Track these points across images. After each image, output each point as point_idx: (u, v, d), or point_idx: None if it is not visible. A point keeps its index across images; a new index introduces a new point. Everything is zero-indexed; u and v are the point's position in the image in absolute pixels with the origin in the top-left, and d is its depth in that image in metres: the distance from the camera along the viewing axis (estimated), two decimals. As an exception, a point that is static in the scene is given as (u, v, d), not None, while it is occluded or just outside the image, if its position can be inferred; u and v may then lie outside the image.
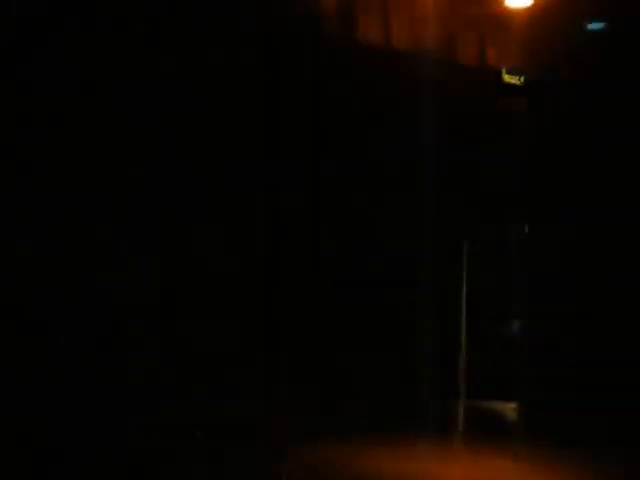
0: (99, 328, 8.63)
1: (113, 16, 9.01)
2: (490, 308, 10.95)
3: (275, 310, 9.61)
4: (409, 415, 9.25)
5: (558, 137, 10.43)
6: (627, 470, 7.71)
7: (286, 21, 9.17)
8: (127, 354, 8.51)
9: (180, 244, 9.59)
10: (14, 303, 7.90)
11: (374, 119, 10.37)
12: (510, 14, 9.92)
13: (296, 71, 9.52)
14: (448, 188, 11.11)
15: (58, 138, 8.21)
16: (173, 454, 7.24)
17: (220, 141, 9.22)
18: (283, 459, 7.19)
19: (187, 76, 8.98)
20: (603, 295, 10.19)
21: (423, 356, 11.53)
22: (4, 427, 7.39)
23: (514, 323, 10.77)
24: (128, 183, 10.27)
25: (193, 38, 8.86)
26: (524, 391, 10.57)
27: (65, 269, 8.30)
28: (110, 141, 10.19)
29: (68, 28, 8.31)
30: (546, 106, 10.47)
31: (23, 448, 7.26)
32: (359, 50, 9.84)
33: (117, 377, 8.39)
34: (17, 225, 7.97)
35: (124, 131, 10.25)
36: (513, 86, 10.56)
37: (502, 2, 9.83)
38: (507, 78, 10.55)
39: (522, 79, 10.53)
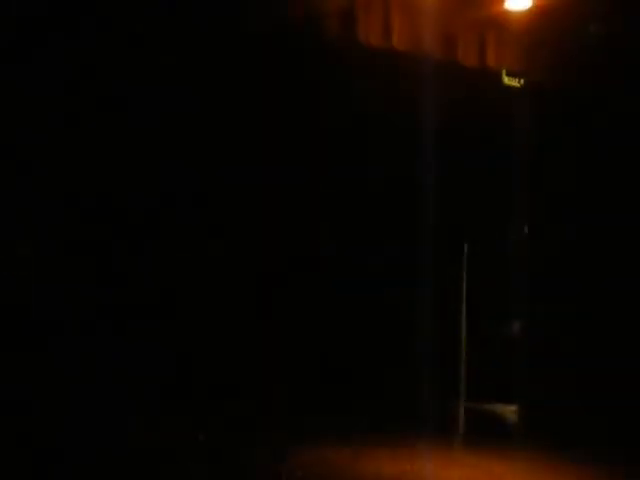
0: (99, 328, 8.65)
1: (113, 16, 9.03)
2: (490, 308, 10.95)
3: (275, 309, 9.63)
4: (409, 416, 9.24)
5: (558, 137, 10.43)
6: (628, 470, 7.73)
7: (286, 21, 9.17)
8: (127, 354, 8.51)
9: (180, 244, 9.62)
10: (14, 303, 7.90)
11: (374, 119, 10.40)
12: (510, 16, 9.91)
13: (296, 71, 9.53)
14: (448, 188, 11.13)
15: (58, 138, 8.20)
16: (173, 454, 7.26)
17: (220, 141, 9.22)
18: (283, 459, 7.20)
19: (187, 76, 8.97)
20: (603, 295, 10.18)
21: (423, 356, 11.54)
22: (4, 427, 7.41)
23: (514, 323, 10.76)
24: (127, 183, 10.30)
25: (193, 38, 8.85)
26: (524, 392, 10.57)
27: (65, 269, 8.29)
28: (110, 141, 10.22)
29: (68, 28, 8.30)
30: (546, 107, 10.47)
31: (23, 448, 7.27)
32: (359, 51, 9.84)
33: (117, 377, 8.41)
34: (17, 225, 7.96)
35: (124, 131, 10.28)
36: (513, 88, 10.58)
37: (502, 4, 9.82)
38: (507, 80, 10.56)
39: (522, 81, 10.55)
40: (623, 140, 10.14)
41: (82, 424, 7.51)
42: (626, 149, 10.11)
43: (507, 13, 9.82)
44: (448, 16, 9.95)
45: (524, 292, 10.75)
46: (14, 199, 7.95)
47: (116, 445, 7.15)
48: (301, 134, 9.65)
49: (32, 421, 7.55)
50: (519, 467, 7.89)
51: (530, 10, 9.73)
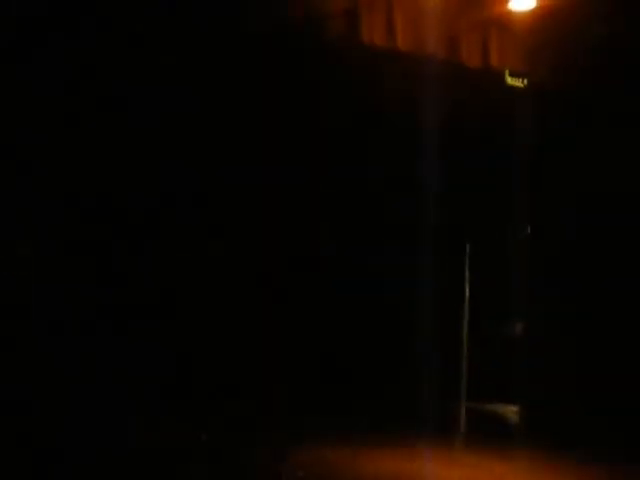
0: (99, 328, 8.64)
1: (113, 16, 9.03)
2: (491, 308, 10.94)
3: (275, 309, 9.62)
4: (409, 416, 9.24)
5: (559, 138, 10.42)
6: (628, 470, 7.73)
7: (286, 21, 9.17)
8: (127, 354, 8.51)
9: (180, 244, 9.62)
10: (14, 303, 7.89)
11: (375, 119, 10.40)
12: (514, 16, 9.90)
13: (296, 71, 9.53)
14: (449, 188, 11.12)
15: (58, 138, 8.20)
16: (173, 454, 7.26)
17: (220, 141, 9.22)
18: (283, 459, 7.19)
19: (187, 76, 8.97)
20: (603, 295, 10.16)
21: (423, 356, 11.54)
22: (4, 427, 7.41)
23: (515, 323, 10.74)
24: (127, 183, 10.30)
25: (193, 38, 8.86)
26: (525, 392, 10.56)
27: (65, 269, 8.29)
28: (110, 141, 10.22)
29: (68, 28, 8.30)
30: (548, 108, 10.47)
31: (23, 448, 7.27)
32: (361, 51, 9.84)
33: (117, 377, 8.41)
34: (17, 225, 7.96)
35: (123, 131, 10.27)
36: (516, 88, 10.57)
37: (506, 4, 9.81)
38: (510, 80, 10.56)
39: (525, 81, 10.54)
40: (624, 140, 10.12)
41: (82, 424, 7.52)
42: (627, 149, 10.09)
43: (511, 14, 9.83)
44: (450, 16, 9.96)
45: (524, 292, 10.76)
46: (14, 199, 7.94)
47: (116, 445, 7.16)
48: (301, 134, 9.65)
49: (32, 421, 7.56)
50: (520, 467, 7.90)
51: (533, 11, 9.74)
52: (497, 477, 7.62)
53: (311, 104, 9.68)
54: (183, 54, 8.88)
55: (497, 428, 9.90)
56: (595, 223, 10.25)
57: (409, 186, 10.87)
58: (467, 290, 11.22)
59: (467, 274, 11.23)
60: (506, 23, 10.03)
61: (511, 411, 10.38)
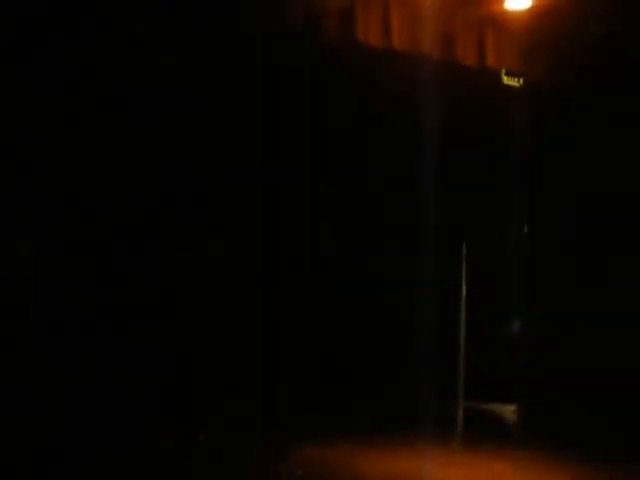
0: (99, 328, 8.65)
1: (113, 16, 9.04)
2: (490, 308, 10.95)
3: (275, 309, 9.63)
4: (409, 416, 9.26)
5: (558, 138, 10.43)
6: (627, 470, 7.73)
7: (286, 21, 9.18)
8: (127, 354, 8.51)
9: (180, 244, 9.61)
10: (14, 303, 7.90)
11: (374, 119, 10.40)
12: (510, 15, 9.89)
13: (295, 71, 9.54)
14: (448, 188, 11.13)
15: (58, 138, 8.20)
16: (172, 454, 7.27)
17: (219, 141, 9.23)
18: (283, 459, 7.20)
19: (187, 76, 8.98)
20: (601, 295, 10.16)
21: (423, 356, 11.55)
22: (4, 427, 7.41)
23: (514, 323, 10.75)
24: (127, 183, 10.30)
25: (193, 38, 8.86)
26: (524, 392, 10.57)
27: (65, 269, 8.29)
28: (110, 141, 10.22)
29: (68, 28, 8.30)
30: (545, 108, 10.47)
31: (23, 448, 7.28)
32: (358, 50, 9.85)
33: (117, 377, 8.42)
34: (17, 225, 7.96)
35: (124, 131, 10.27)
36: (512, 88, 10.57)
37: (502, 3, 9.81)
38: (506, 80, 10.55)
39: (521, 81, 10.53)
40: (622, 139, 10.12)
41: (82, 424, 7.53)
42: (625, 149, 10.09)
43: (507, 13, 9.83)
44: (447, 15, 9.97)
45: (524, 292, 10.78)
46: (14, 199, 7.94)
47: (115, 445, 7.17)
48: (300, 134, 9.66)
49: (32, 421, 7.58)
50: (518, 465, 7.92)
51: (530, 10, 9.74)
52: (495, 476, 7.63)
53: (311, 104, 9.69)
54: (182, 54, 8.89)
55: (495, 427, 9.93)
56: (595, 223, 10.24)
57: (408, 186, 10.91)
58: (464, 289, 11.26)
59: (464, 273, 11.27)
60: (503, 22, 10.04)
61: (509, 410, 10.40)
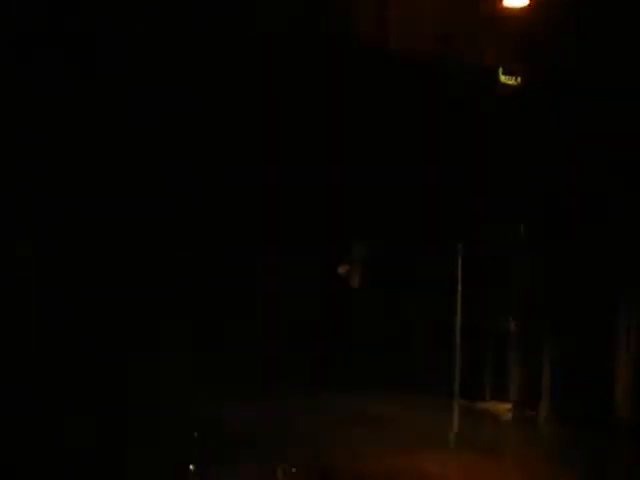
0: (99, 328, 8.68)
1: (113, 16, 9.05)
2: (486, 307, 10.98)
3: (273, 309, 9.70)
4: (404, 414, 9.35)
5: (556, 138, 10.42)
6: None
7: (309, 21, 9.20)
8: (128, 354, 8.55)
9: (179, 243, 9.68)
10: (15, 303, 7.91)
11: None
12: (508, 13, 9.87)
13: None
14: (447, 189, 11.16)
15: (58, 138, 8.22)
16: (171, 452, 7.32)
17: (221, 141, 9.26)
18: (279, 458, 7.26)
19: (189, 76, 9.00)
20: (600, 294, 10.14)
21: (418, 354, 11.61)
22: (5, 427, 7.45)
23: (510, 322, 10.77)
24: (128, 183, 10.32)
25: (197, 37, 8.88)
26: (518, 390, 10.63)
27: (65, 269, 8.31)
28: (110, 141, 10.24)
29: (68, 28, 8.30)
30: (543, 106, 10.47)
31: (23, 448, 7.32)
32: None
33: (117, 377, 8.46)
34: (17, 225, 7.98)
35: (124, 131, 10.30)
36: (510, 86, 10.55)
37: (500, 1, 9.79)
38: (503, 79, 10.53)
39: (519, 79, 10.52)
40: (621, 139, 10.08)
41: (80, 424, 7.57)
42: (625, 148, 10.05)
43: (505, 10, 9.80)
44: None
45: (520, 292, 10.82)
46: (14, 199, 7.96)
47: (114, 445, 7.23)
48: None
49: (32, 421, 7.62)
50: (512, 462, 8.02)
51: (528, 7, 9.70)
52: (491, 473, 7.72)
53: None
54: (186, 54, 8.90)
55: (490, 425, 9.99)
56: (593, 224, 10.21)
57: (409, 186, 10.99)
58: (460, 287, 11.30)
59: (460, 273, 11.32)
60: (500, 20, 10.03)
61: (504, 409, 10.46)
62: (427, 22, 10.07)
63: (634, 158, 9.57)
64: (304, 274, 10.46)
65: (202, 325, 9.43)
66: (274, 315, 10.28)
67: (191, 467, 7.53)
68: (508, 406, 10.49)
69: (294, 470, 7.09)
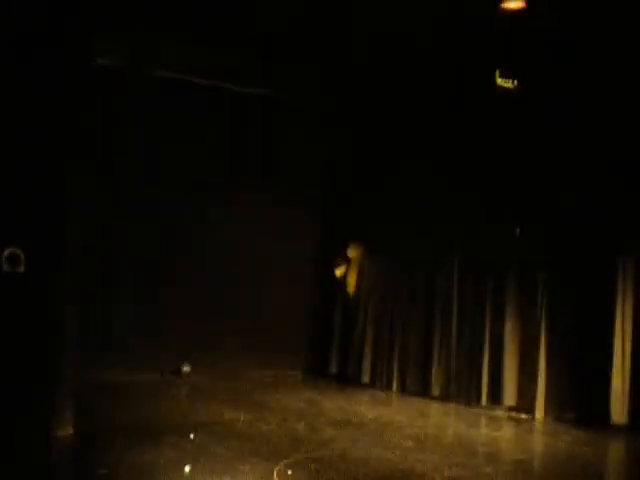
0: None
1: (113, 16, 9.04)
2: (485, 308, 10.99)
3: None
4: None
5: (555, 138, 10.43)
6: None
7: None
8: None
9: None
10: (16, 303, 7.84)
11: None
12: (505, 15, 9.86)
13: None
14: (447, 189, 11.17)
15: (59, 138, 8.16)
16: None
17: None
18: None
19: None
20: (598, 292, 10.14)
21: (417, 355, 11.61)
22: (6, 428, 7.43)
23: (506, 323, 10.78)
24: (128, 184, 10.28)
25: None
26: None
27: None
28: (110, 140, 10.20)
29: (68, 28, 8.26)
30: (541, 109, 10.48)
31: (24, 447, 7.30)
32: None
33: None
34: (17, 225, 7.91)
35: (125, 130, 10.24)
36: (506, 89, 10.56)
37: (497, 3, 9.78)
38: (500, 81, 10.55)
39: (515, 82, 10.53)
40: (621, 139, 10.08)
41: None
42: (624, 148, 10.06)
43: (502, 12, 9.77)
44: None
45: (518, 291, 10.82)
46: (14, 199, 7.91)
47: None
48: None
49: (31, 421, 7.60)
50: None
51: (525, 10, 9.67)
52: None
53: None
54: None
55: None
56: (593, 222, 10.20)
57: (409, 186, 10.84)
58: (457, 288, 11.32)
59: (457, 273, 11.33)
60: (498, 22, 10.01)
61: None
62: None
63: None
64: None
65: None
66: None
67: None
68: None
69: (290, 472, 7.14)
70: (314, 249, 12.64)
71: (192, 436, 8.16)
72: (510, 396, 10.63)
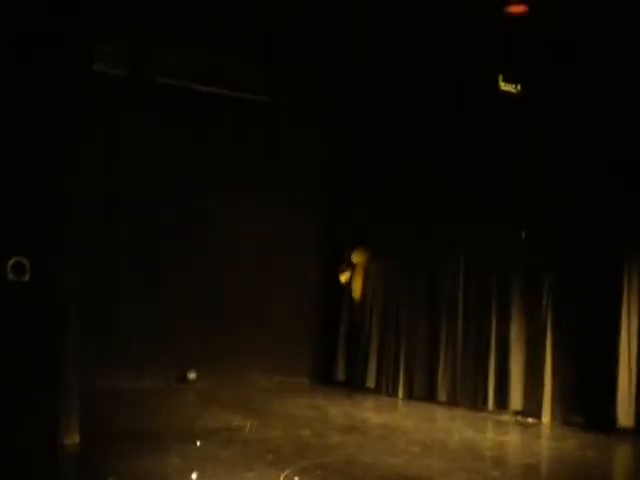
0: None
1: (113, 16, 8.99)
2: (490, 309, 10.94)
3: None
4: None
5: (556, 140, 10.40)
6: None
7: None
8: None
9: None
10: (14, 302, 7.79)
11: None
12: (509, 19, 9.83)
13: None
14: (448, 189, 11.15)
15: (59, 138, 8.12)
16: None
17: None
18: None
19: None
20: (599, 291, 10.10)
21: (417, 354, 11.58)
22: (8, 428, 7.36)
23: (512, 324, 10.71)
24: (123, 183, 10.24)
25: None
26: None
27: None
28: (111, 141, 10.17)
29: (68, 28, 8.22)
30: (542, 109, 10.46)
31: (30, 456, 7.24)
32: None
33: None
34: (17, 225, 7.87)
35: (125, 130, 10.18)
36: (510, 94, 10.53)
37: (501, 7, 9.75)
38: (503, 86, 10.52)
39: (519, 87, 10.50)
40: (620, 139, 10.05)
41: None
42: (624, 148, 10.02)
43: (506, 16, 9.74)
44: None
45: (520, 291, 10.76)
46: (14, 199, 7.85)
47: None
48: None
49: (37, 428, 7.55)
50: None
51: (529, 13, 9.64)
52: None
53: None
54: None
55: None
56: (594, 222, 10.16)
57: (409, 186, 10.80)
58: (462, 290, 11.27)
59: (462, 274, 11.27)
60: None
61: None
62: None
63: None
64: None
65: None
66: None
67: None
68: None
69: (296, 479, 7.09)
70: (314, 250, 12.55)
71: (198, 443, 8.12)
72: (517, 400, 10.55)
